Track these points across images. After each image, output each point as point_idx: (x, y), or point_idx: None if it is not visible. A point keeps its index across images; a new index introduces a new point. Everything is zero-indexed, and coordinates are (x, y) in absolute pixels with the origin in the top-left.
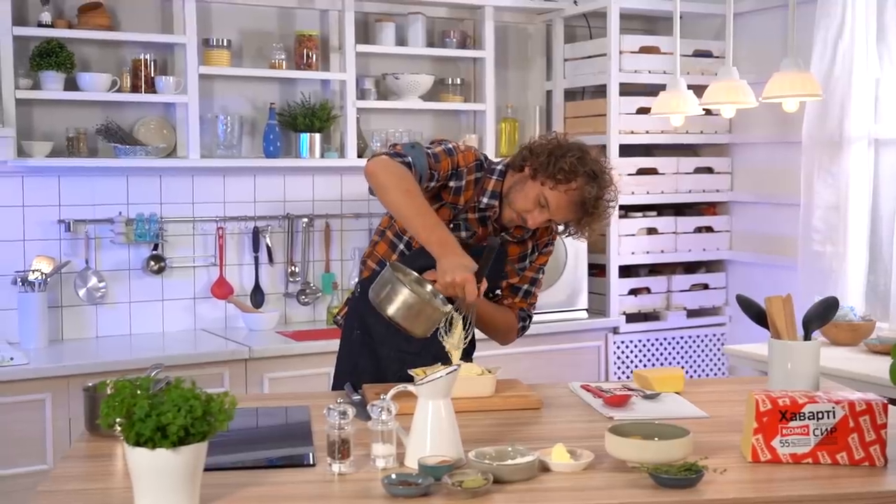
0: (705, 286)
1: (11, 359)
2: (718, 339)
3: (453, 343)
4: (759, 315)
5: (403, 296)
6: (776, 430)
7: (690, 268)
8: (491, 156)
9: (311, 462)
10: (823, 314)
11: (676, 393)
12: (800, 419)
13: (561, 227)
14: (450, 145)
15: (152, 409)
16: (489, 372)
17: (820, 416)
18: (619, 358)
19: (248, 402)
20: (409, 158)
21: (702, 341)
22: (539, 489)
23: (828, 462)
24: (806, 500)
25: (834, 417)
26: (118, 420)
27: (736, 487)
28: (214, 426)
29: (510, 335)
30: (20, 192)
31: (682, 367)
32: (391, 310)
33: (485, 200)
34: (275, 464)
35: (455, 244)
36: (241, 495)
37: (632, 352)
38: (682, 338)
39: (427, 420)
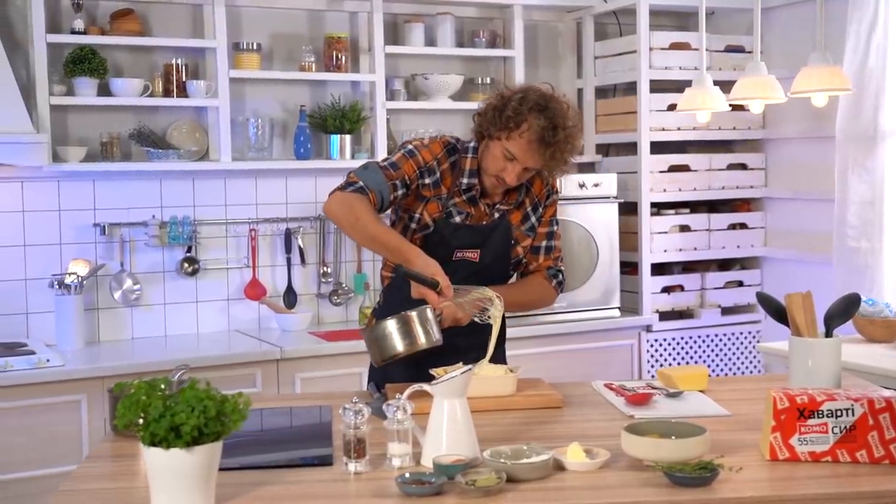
0: (740, 283)
1: (48, 360)
2: (754, 337)
3: (496, 316)
4: (779, 312)
5: (389, 329)
6: (794, 428)
7: (725, 265)
8: None
9: (328, 461)
10: (845, 311)
11: (700, 391)
12: (818, 417)
13: (545, 173)
14: (410, 146)
15: (166, 410)
16: (511, 371)
17: (839, 413)
18: (652, 356)
19: (277, 402)
20: (361, 183)
21: (737, 339)
22: (553, 488)
23: (847, 460)
24: (822, 499)
25: (853, 415)
26: (133, 420)
27: (752, 486)
28: (228, 426)
29: (547, 299)
30: (56, 196)
31: (717, 366)
32: (399, 348)
33: (465, 181)
34: (291, 463)
35: (418, 251)
36: (257, 494)
37: (665, 350)
38: (716, 335)
39: (443, 419)
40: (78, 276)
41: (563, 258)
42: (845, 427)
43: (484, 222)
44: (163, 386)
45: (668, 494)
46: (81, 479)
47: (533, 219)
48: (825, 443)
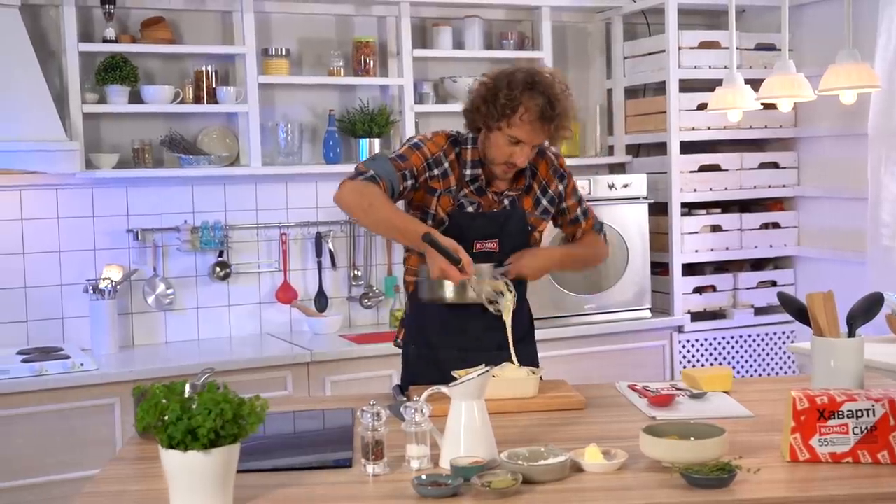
0: (773, 283)
1: (82, 364)
2: (788, 337)
3: (507, 307)
4: (800, 312)
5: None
6: (814, 429)
7: (757, 265)
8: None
9: (348, 464)
10: (868, 310)
11: (725, 392)
12: (838, 417)
13: (546, 143)
14: (415, 140)
15: (184, 413)
16: (533, 373)
17: (859, 414)
18: (684, 357)
19: (305, 405)
20: (372, 171)
21: (770, 339)
22: (569, 489)
23: (868, 461)
24: (840, 500)
25: (874, 416)
26: (152, 423)
27: (770, 487)
28: (245, 429)
29: (601, 253)
30: (90, 203)
31: (751, 367)
32: (448, 296)
33: (468, 172)
34: (311, 466)
35: (436, 230)
36: (275, 496)
37: (697, 350)
38: (749, 336)
39: (461, 421)
40: (112, 282)
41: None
42: (866, 428)
43: (495, 209)
44: (187, 388)
45: (684, 496)
46: (105, 481)
47: (544, 202)
48: (846, 444)
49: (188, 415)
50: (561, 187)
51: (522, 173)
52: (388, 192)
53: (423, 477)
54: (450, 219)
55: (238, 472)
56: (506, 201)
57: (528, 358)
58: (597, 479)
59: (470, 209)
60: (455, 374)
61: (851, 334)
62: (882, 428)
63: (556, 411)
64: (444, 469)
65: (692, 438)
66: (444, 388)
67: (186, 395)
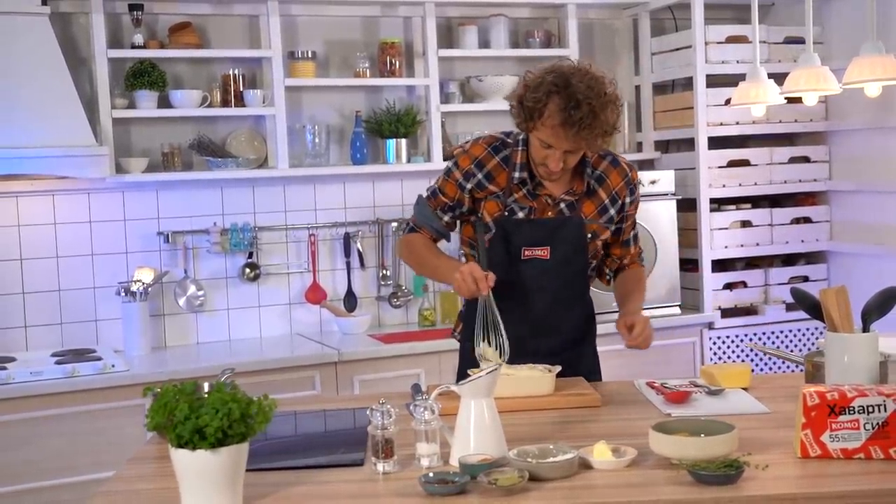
0: (805, 278)
1: (113, 366)
2: (821, 333)
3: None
4: (814, 308)
5: None
6: (825, 425)
7: (789, 260)
8: None
9: (359, 462)
10: (882, 305)
11: (743, 388)
12: (849, 413)
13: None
14: (449, 163)
15: (191, 412)
16: (549, 371)
17: (870, 409)
18: (714, 354)
19: (326, 405)
20: (412, 222)
21: (803, 335)
22: (577, 487)
23: (880, 457)
24: (851, 496)
25: (885, 411)
26: (162, 422)
27: (779, 483)
28: (253, 428)
29: (644, 284)
30: (121, 206)
31: (784, 363)
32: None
33: (516, 175)
34: (322, 464)
35: (451, 266)
36: (285, 494)
37: (728, 347)
38: (781, 332)
39: (470, 419)
40: (143, 284)
41: None
42: (878, 423)
43: (549, 214)
44: (205, 387)
45: (692, 492)
46: (122, 480)
47: (612, 211)
48: (857, 439)
49: (196, 414)
50: (629, 200)
51: (581, 177)
52: (433, 236)
53: (431, 475)
54: (496, 225)
55: (252, 470)
56: (562, 206)
57: (581, 362)
58: (604, 477)
59: (521, 214)
60: (469, 371)
61: (866, 329)
62: (894, 423)
63: (571, 409)
64: (454, 467)
65: (702, 435)
66: (453, 387)
67: (203, 395)
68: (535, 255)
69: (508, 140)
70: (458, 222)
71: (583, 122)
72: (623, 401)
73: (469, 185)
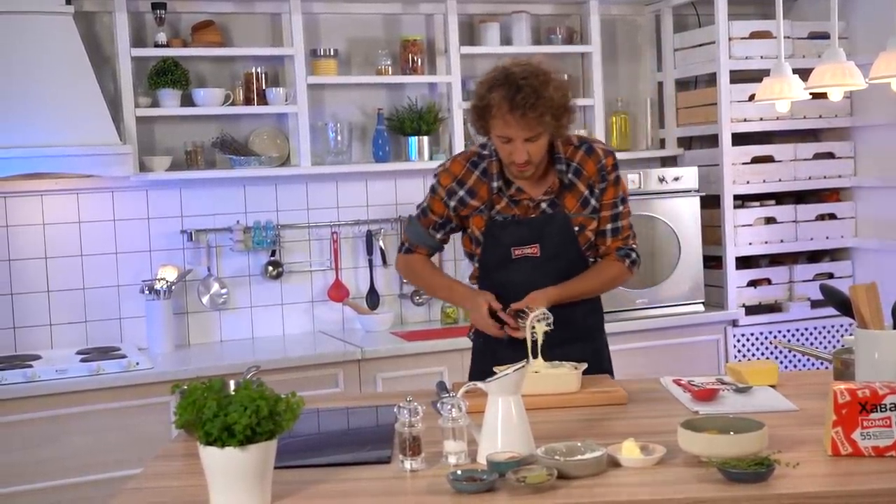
0: (830, 275)
1: (137, 363)
2: (846, 330)
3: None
4: (843, 304)
5: None
6: (856, 423)
7: (814, 257)
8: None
9: (386, 460)
10: None
11: (770, 386)
12: (881, 411)
13: (576, 142)
14: (433, 180)
15: (220, 410)
16: (575, 368)
17: None
18: (738, 351)
19: (350, 402)
20: (407, 242)
21: (828, 332)
22: (605, 484)
23: None
24: (885, 494)
25: None
26: (190, 420)
27: (810, 481)
28: (281, 425)
29: (619, 279)
30: (145, 205)
31: (809, 360)
32: None
33: (494, 185)
34: (350, 462)
35: (464, 291)
36: (312, 492)
37: (752, 344)
38: (805, 329)
39: (497, 416)
40: (167, 282)
41: (636, 235)
42: None
43: (533, 216)
44: (231, 385)
45: (722, 490)
46: (148, 477)
47: (593, 201)
48: (889, 437)
49: (224, 412)
50: (602, 186)
51: (552, 175)
52: (429, 253)
53: (459, 472)
54: (485, 233)
55: (279, 467)
56: (543, 206)
57: (589, 357)
58: (633, 474)
59: (499, 219)
60: (496, 368)
61: (895, 326)
62: None
63: (597, 406)
64: (481, 464)
65: (731, 433)
66: (480, 384)
67: (231, 392)
68: (526, 253)
69: (484, 153)
70: (450, 237)
71: (526, 101)
72: (649, 398)
73: (452, 203)
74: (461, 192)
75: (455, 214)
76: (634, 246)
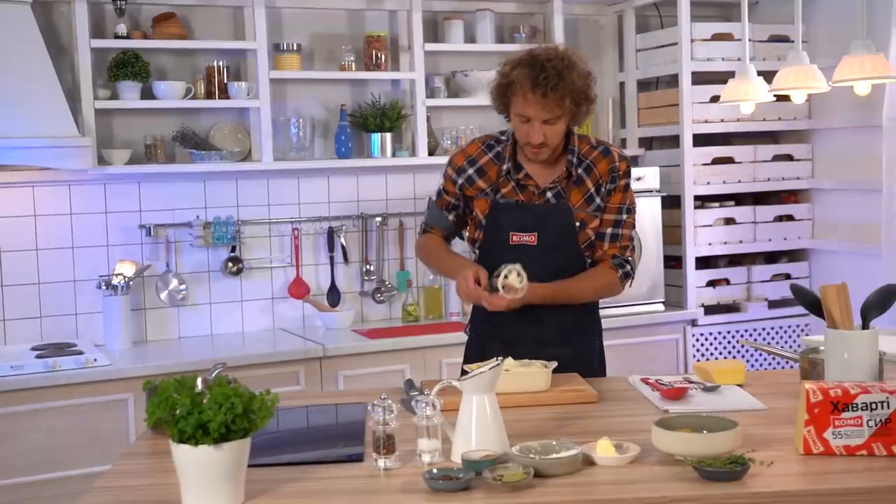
0: (787, 276)
1: (95, 360)
2: (802, 330)
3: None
4: (813, 304)
5: None
6: (828, 422)
7: (771, 258)
8: None
9: (359, 458)
10: (882, 302)
11: (737, 385)
12: (852, 410)
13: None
14: (449, 161)
15: (194, 407)
16: (545, 367)
17: (874, 406)
18: (697, 350)
19: (316, 400)
20: (425, 224)
21: (785, 332)
22: (581, 483)
23: (883, 454)
24: (856, 493)
25: (888, 408)
26: (162, 418)
27: (784, 480)
28: (256, 423)
29: (610, 288)
30: (102, 198)
31: (766, 360)
32: None
33: (505, 167)
34: (322, 460)
35: (460, 262)
36: (286, 490)
37: (711, 344)
38: (763, 329)
39: (472, 415)
40: (125, 277)
41: (634, 249)
42: (881, 420)
43: (536, 202)
44: (198, 382)
45: (697, 489)
46: (116, 475)
47: (598, 200)
48: (860, 436)
49: (199, 409)
50: (610, 187)
51: (561, 165)
52: (444, 234)
53: (435, 471)
54: (487, 216)
55: (250, 466)
56: (549, 194)
57: (578, 355)
58: (609, 473)
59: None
60: (467, 367)
61: (865, 326)
62: None
63: (568, 405)
64: (456, 463)
65: (705, 431)
66: (455, 382)
67: (198, 390)
68: (523, 240)
69: (502, 138)
70: (464, 223)
71: (548, 82)
72: (618, 397)
73: (460, 181)
74: (470, 171)
75: (461, 193)
76: (630, 258)
